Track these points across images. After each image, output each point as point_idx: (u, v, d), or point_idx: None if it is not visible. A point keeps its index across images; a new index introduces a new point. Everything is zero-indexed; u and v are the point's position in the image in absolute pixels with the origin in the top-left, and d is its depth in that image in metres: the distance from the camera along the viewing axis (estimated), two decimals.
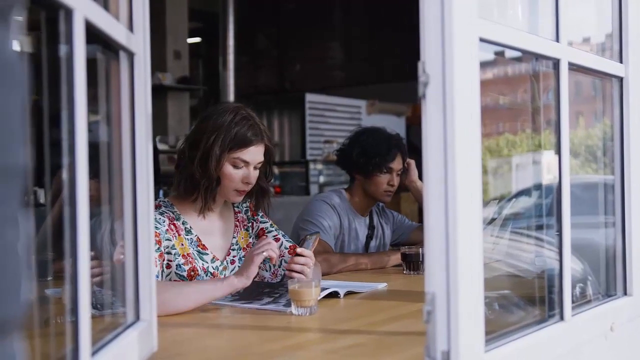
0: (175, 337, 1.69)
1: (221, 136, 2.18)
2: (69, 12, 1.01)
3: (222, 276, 2.24)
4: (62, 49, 1.03)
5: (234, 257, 2.34)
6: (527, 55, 1.63)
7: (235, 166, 2.21)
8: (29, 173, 0.60)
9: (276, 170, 7.85)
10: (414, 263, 2.67)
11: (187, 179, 2.22)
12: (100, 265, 1.49)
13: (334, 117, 8.43)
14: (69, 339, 1.04)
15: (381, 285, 2.37)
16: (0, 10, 0.54)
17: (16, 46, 0.58)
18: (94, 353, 1.11)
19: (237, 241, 2.37)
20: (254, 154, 2.23)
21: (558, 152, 1.55)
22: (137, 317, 1.40)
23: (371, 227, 3.18)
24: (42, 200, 2.60)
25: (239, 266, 2.30)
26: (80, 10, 1.03)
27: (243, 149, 2.20)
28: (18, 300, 0.58)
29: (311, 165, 7.63)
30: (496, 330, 1.37)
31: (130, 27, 1.38)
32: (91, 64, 1.11)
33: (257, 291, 2.12)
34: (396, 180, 3.05)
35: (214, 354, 1.59)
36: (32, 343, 1.10)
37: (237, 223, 2.40)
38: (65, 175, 1.03)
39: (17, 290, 0.57)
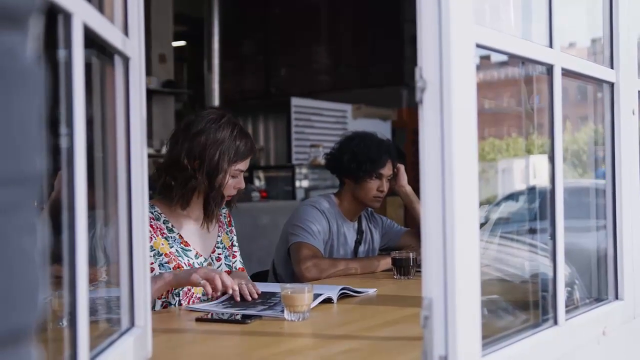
0: (170, 343, 1.68)
1: (226, 151, 2.27)
2: (67, 17, 1.00)
3: None
4: (61, 53, 1.03)
5: (219, 254, 2.43)
6: (514, 60, 1.64)
7: (233, 176, 2.33)
8: (44, 180, 0.59)
9: (262, 174, 7.84)
10: (404, 268, 2.67)
11: (191, 191, 2.29)
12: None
13: (319, 122, 8.43)
14: (66, 345, 1.03)
15: (372, 291, 2.37)
16: (17, 16, 0.54)
17: (33, 52, 0.58)
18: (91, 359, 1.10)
19: (221, 240, 2.46)
20: (248, 162, 2.37)
21: (551, 156, 1.56)
22: (132, 324, 1.39)
23: (360, 232, 3.18)
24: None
25: (225, 263, 2.43)
26: (79, 14, 1.02)
27: (243, 161, 2.33)
28: (35, 307, 0.57)
29: (297, 170, 7.61)
30: (492, 334, 1.37)
31: (126, 32, 1.37)
32: (86, 68, 1.10)
33: (252, 299, 2.12)
34: (386, 186, 3.05)
35: None
36: None
37: (220, 224, 2.49)
38: (63, 180, 1.02)
39: (34, 297, 0.57)
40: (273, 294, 2.20)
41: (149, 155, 7.05)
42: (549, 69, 1.55)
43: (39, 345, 1.24)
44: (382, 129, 8.01)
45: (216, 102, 8.55)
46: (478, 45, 1.27)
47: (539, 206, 1.85)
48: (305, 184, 7.62)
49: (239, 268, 2.48)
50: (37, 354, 0.60)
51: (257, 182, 7.61)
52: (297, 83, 9.82)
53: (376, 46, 9.40)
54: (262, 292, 2.24)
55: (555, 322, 1.54)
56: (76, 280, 1.01)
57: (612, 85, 1.86)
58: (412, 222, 3.35)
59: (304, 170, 7.66)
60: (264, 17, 10.34)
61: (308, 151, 8.01)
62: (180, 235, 2.31)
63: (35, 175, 0.57)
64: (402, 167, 3.16)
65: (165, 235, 2.27)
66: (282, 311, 1.91)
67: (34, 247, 0.57)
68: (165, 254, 2.24)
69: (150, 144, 7.07)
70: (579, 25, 2.14)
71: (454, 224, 1.17)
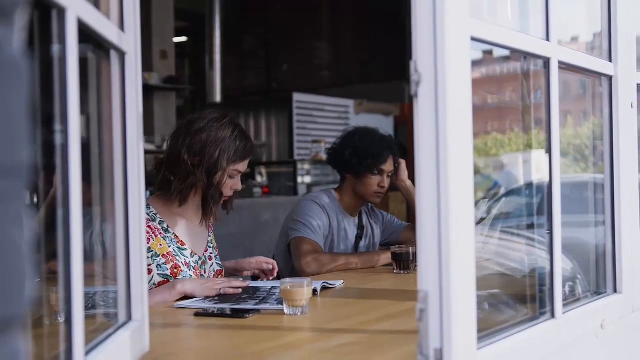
0: (167, 337, 1.69)
1: (226, 150, 2.30)
2: (61, 11, 1.00)
3: (203, 270, 2.39)
4: (54, 48, 1.03)
5: (210, 254, 2.47)
6: (516, 54, 1.63)
7: (231, 177, 2.35)
8: (31, 172, 0.60)
9: (264, 170, 7.84)
10: (404, 262, 2.68)
11: (189, 187, 2.31)
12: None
13: (321, 117, 8.43)
14: (62, 339, 1.03)
15: (339, 283, 2.40)
16: (3, 10, 0.54)
17: (19, 45, 0.58)
18: (87, 353, 1.10)
19: (211, 240, 2.50)
20: (246, 164, 2.40)
21: (548, 150, 1.56)
22: (129, 317, 1.39)
23: (360, 227, 3.18)
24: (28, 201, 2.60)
25: (216, 263, 2.47)
26: (73, 9, 1.02)
27: (242, 162, 2.36)
28: (22, 299, 0.58)
29: (299, 165, 7.61)
30: (488, 328, 1.37)
31: (122, 27, 1.37)
32: (81, 63, 1.10)
33: (236, 296, 2.12)
34: (387, 182, 3.05)
35: (206, 354, 1.59)
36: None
37: (210, 225, 2.52)
38: (58, 176, 1.03)
39: (21, 288, 0.57)
40: (257, 289, 2.23)
41: (150, 152, 7.06)
42: (546, 62, 1.55)
43: (37, 339, 1.25)
44: (384, 124, 8.01)
45: (218, 98, 8.55)
46: (473, 39, 1.27)
47: (539, 201, 1.85)
48: (307, 179, 7.63)
49: (217, 270, 2.50)
50: (25, 344, 0.60)
51: (259, 178, 7.62)
52: (299, 78, 9.83)
53: (377, 41, 9.39)
54: (248, 287, 2.25)
55: (553, 316, 1.54)
56: (71, 274, 1.02)
57: (610, 78, 1.85)
58: (413, 217, 3.35)
59: (306, 166, 7.66)
60: (265, 13, 10.34)
61: (310, 147, 8.00)
62: (175, 234, 2.34)
63: (22, 167, 0.57)
64: (403, 162, 3.16)
65: (162, 236, 2.30)
66: (275, 303, 1.92)
67: (22, 237, 0.58)
68: (163, 255, 2.27)
69: (151, 140, 7.08)
70: (581, 20, 2.14)
71: (448, 217, 1.18)
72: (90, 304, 1.42)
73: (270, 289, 2.22)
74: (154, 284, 2.22)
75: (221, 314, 1.90)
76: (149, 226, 2.26)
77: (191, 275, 2.30)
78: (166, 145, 2.45)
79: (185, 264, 2.31)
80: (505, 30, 1.44)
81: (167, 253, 2.27)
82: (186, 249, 2.35)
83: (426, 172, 1.19)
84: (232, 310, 1.93)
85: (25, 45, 0.64)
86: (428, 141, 1.19)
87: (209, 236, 2.49)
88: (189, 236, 2.39)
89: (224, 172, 2.31)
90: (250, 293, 2.17)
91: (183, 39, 10.29)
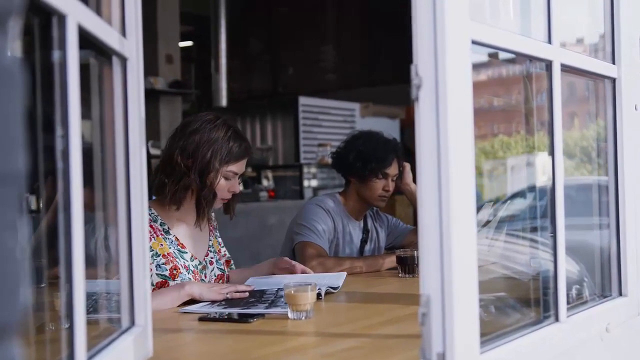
0: (171, 342, 1.69)
1: (219, 151, 2.29)
2: (62, 18, 1.01)
3: (203, 275, 2.39)
4: (55, 54, 1.03)
5: (211, 258, 2.47)
6: (521, 57, 1.63)
7: (226, 178, 2.34)
8: (25, 179, 0.60)
9: (270, 174, 7.84)
10: (409, 266, 2.67)
11: (183, 189, 2.30)
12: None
13: (327, 120, 8.42)
14: (64, 345, 1.04)
15: (341, 279, 2.41)
16: None
17: (14, 52, 0.58)
18: (89, 358, 1.11)
19: (212, 244, 2.50)
20: (243, 165, 2.39)
21: (551, 153, 1.56)
22: (132, 323, 1.39)
23: (365, 231, 3.18)
24: (33, 207, 2.61)
25: (217, 267, 2.47)
26: (74, 15, 1.03)
27: (236, 163, 2.34)
28: (17, 305, 0.58)
29: (305, 169, 7.60)
30: (492, 331, 1.37)
31: (123, 32, 1.37)
32: (83, 69, 1.10)
33: (244, 300, 2.12)
34: (391, 186, 3.05)
35: (210, 358, 1.59)
36: (28, 349, 1.10)
37: (211, 228, 2.53)
38: (59, 181, 1.03)
39: (16, 295, 0.58)
40: (263, 292, 2.23)
41: (157, 157, 7.04)
42: (548, 65, 1.55)
43: (42, 344, 1.25)
44: (390, 127, 8.00)
45: (224, 102, 8.55)
46: (474, 42, 1.27)
47: (545, 203, 1.85)
48: (313, 183, 7.62)
49: (226, 261, 2.54)
50: (21, 351, 0.60)
51: (265, 182, 7.61)
52: (304, 82, 9.81)
53: (383, 43, 9.38)
54: (254, 290, 2.25)
55: (557, 319, 1.54)
56: (73, 279, 1.02)
57: (613, 80, 1.85)
58: None
59: (312, 170, 7.66)
60: (270, 16, 10.33)
61: (316, 150, 8.00)
62: (176, 237, 2.35)
63: (18, 174, 0.58)
64: (407, 166, 3.15)
65: (163, 237, 2.31)
66: (284, 306, 1.91)
67: (16, 244, 0.58)
68: (163, 255, 2.27)
69: (157, 145, 7.07)
70: (587, 22, 2.13)
71: (450, 221, 1.17)
72: (92, 308, 1.43)
73: (277, 291, 2.22)
74: (153, 284, 2.22)
75: (225, 319, 1.90)
76: (150, 226, 2.26)
77: (190, 279, 2.30)
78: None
79: (185, 267, 2.31)
80: (506, 33, 1.44)
81: (168, 254, 2.28)
82: (187, 252, 2.35)
83: (427, 175, 1.19)
84: (239, 314, 1.93)
85: (24, 51, 0.64)
86: (429, 145, 1.19)
87: (210, 240, 2.49)
88: (190, 240, 2.39)
89: (216, 173, 2.30)
90: (258, 297, 2.16)
91: (188, 43, 10.30)
